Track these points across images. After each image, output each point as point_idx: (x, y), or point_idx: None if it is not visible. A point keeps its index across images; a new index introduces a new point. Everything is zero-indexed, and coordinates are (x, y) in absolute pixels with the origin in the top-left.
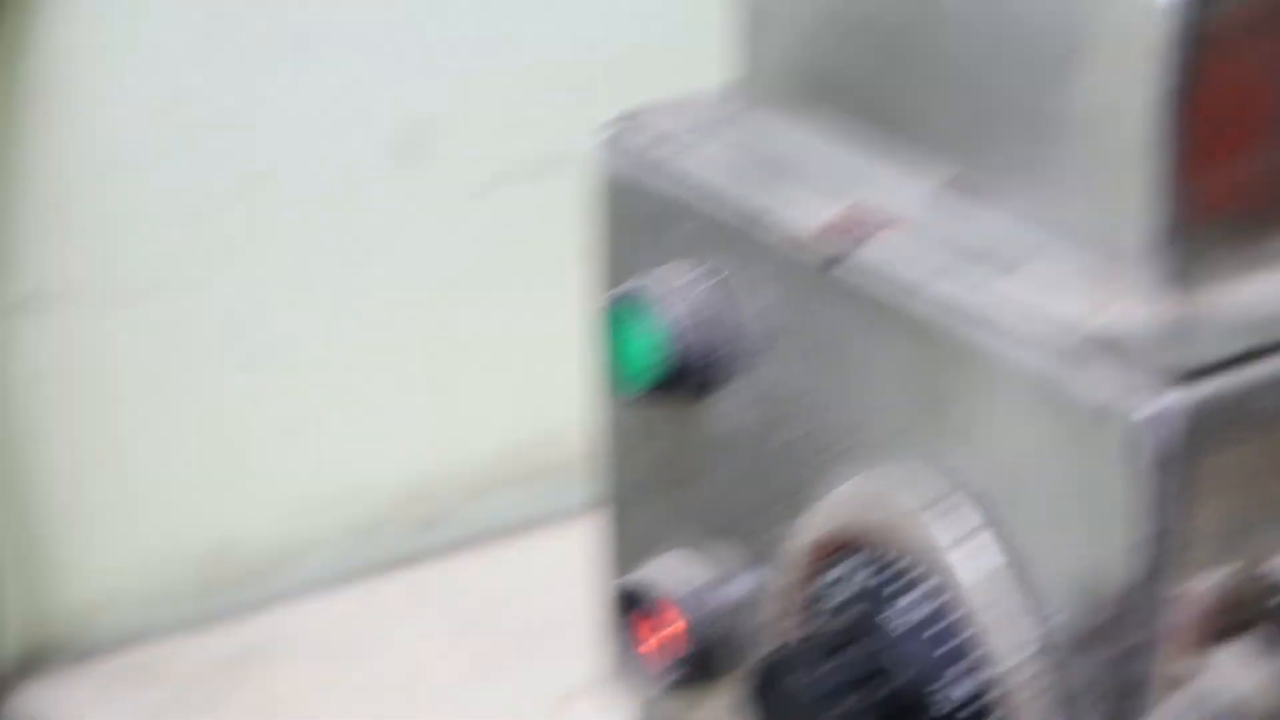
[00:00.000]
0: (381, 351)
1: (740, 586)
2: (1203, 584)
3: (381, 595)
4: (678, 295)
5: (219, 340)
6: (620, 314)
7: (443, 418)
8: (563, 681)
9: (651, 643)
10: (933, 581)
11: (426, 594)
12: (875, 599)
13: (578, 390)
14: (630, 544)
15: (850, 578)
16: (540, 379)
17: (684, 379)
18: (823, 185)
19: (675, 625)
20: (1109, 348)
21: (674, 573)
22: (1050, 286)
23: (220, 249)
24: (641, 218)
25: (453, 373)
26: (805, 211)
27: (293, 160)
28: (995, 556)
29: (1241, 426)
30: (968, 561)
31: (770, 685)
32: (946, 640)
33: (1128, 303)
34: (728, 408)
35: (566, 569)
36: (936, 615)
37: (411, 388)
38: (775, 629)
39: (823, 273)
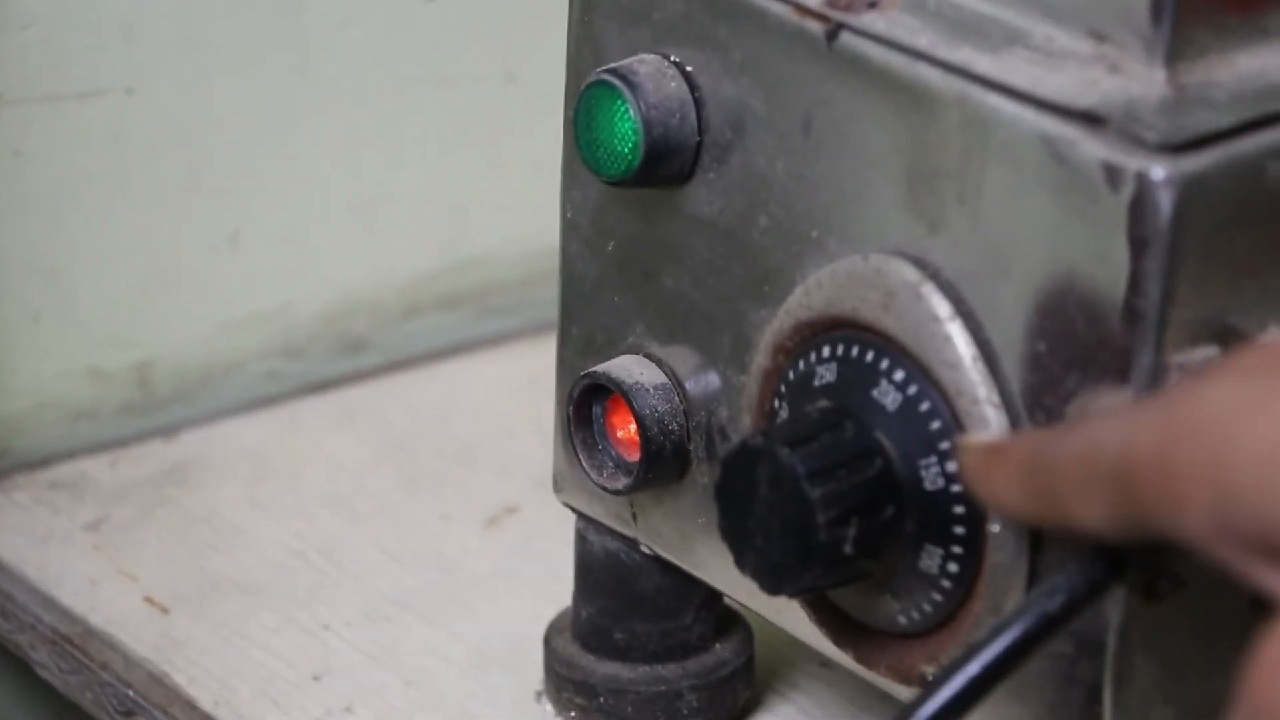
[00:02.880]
0: (316, 166)
1: (698, 385)
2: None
3: (309, 415)
4: (650, 82)
5: (156, 149)
6: (597, 100)
7: (375, 237)
8: (497, 497)
9: (620, 436)
10: (916, 363)
11: (355, 414)
12: (864, 376)
13: (513, 212)
14: (588, 341)
15: (836, 357)
16: (475, 200)
17: (659, 166)
18: None
19: (631, 425)
20: (1106, 120)
21: (631, 371)
22: (1042, 64)
23: (161, 52)
24: (621, 2)
25: (387, 190)
26: None
27: None
28: (968, 345)
29: (1233, 198)
30: (948, 347)
31: (754, 467)
32: (934, 418)
33: (1119, 79)
34: (700, 197)
35: (497, 391)
36: (922, 394)
37: (345, 205)
38: (753, 414)
39: (828, 41)
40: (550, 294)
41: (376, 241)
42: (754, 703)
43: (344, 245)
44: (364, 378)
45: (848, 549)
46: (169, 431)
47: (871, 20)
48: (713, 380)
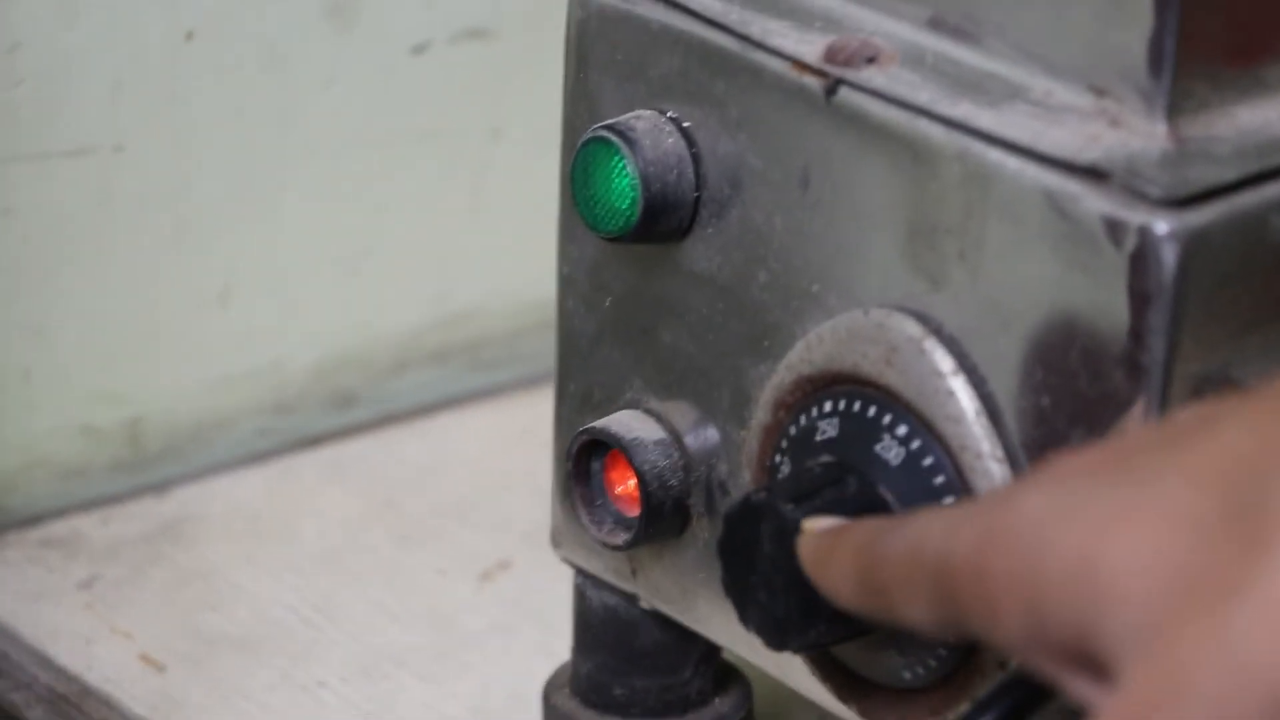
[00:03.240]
0: (304, 221)
1: (697, 440)
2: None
3: (300, 471)
4: (648, 137)
5: (145, 206)
6: (594, 156)
7: (363, 292)
8: (490, 552)
9: (619, 491)
10: (919, 418)
11: (346, 470)
12: (867, 432)
13: (502, 266)
14: (586, 397)
15: (839, 412)
16: (463, 253)
17: (657, 222)
18: (804, 21)
19: (631, 480)
20: (1109, 174)
21: (630, 426)
22: (1043, 119)
23: (150, 109)
24: (616, 53)
25: (375, 245)
26: (796, 41)
27: (225, 20)
28: (971, 399)
29: (1236, 252)
30: (951, 402)
31: (756, 522)
32: (938, 473)
33: (1120, 133)
34: (698, 252)
35: (488, 445)
36: (925, 449)
37: (333, 260)
38: (754, 470)
39: (827, 97)
40: (540, 347)
41: (365, 296)
42: None
43: (333, 300)
44: (355, 432)
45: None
46: (160, 488)
47: (870, 75)
48: (712, 435)
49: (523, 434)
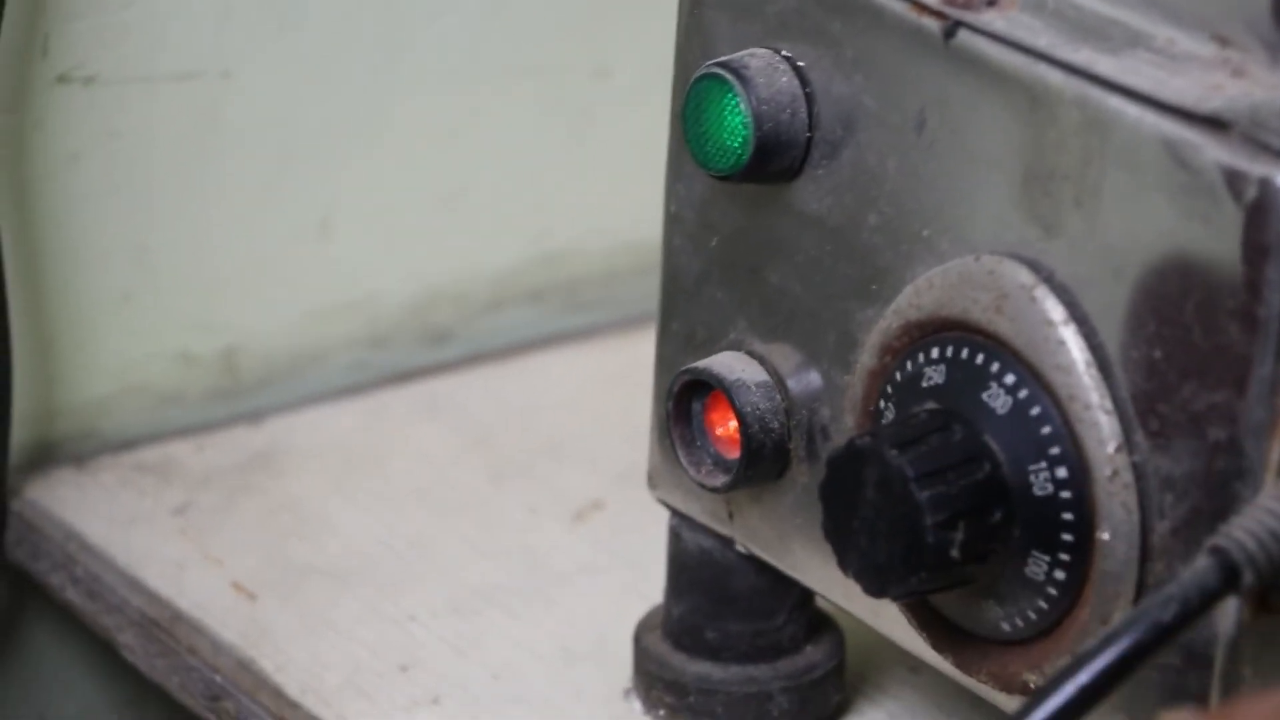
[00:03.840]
0: (406, 155)
1: (800, 384)
2: None
3: (392, 406)
4: (761, 76)
5: (249, 132)
6: (707, 93)
7: (461, 227)
8: (584, 492)
9: (719, 433)
10: (1028, 367)
11: (439, 406)
12: (974, 379)
13: (601, 206)
14: (689, 336)
15: (946, 359)
16: (563, 192)
17: (769, 162)
18: None
19: (731, 422)
20: (1230, 125)
21: (732, 367)
22: (1165, 67)
23: (258, 35)
24: None
25: (475, 179)
26: None
27: None
28: (1082, 349)
29: None
30: (1061, 351)
31: (861, 467)
32: (1045, 423)
33: (1243, 84)
34: (808, 193)
35: (583, 386)
36: (1033, 398)
37: (434, 194)
38: (857, 415)
39: (945, 39)
40: (637, 289)
41: (463, 232)
42: (844, 706)
43: (431, 235)
44: (448, 369)
45: (954, 553)
46: (254, 417)
47: (990, 19)
48: (814, 379)
49: (618, 375)
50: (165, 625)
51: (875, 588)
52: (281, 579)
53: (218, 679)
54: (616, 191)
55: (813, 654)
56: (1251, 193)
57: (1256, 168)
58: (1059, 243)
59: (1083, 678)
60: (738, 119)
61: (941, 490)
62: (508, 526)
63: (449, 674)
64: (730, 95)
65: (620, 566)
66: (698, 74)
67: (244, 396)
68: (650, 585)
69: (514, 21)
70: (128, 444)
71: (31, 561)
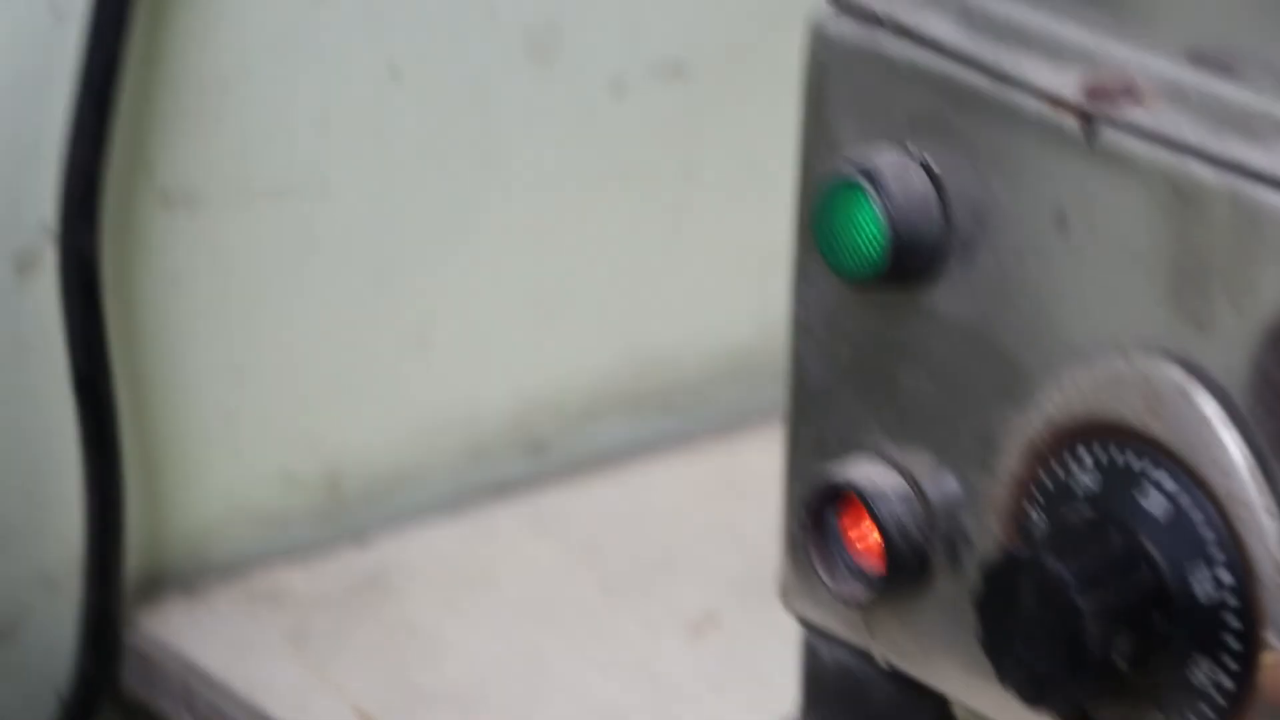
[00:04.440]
0: (498, 261)
1: (937, 491)
2: None
3: (497, 521)
4: (895, 178)
5: (346, 247)
6: (838, 198)
7: (557, 335)
8: (698, 604)
9: (858, 544)
10: (1185, 469)
11: (543, 519)
12: (1130, 483)
13: (694, 311)
14: (820, 444)
15: (1097, 465)
16: (656, 299)
17: (904, 266)
18: (1057, 55)
19: (871, 533)
20: None
21: (869, 476)
22: None
23: (352, 150)
24: (858, 91)
25: (568, 285)
26: (1051, 77)
27: (428, 59)
28: (1241, 449)
29: None
30: (1220, 451)
31: (1018, 577)
32: (1206, 527)
33: None
34: (944, 296)
35: (686, 495)
36: (1193, 502)
37: (528, 303)
38: (1003, 521)
39: (1088, 137)
40: (732, 394)
41: (559, 340)
42: None
43: (528, 344)
44: (548, 480)
45: (1115, 660)
46: (358, 537)
47: (1133, 113)
48: (952, 485)
49: (721, 483)
50: None
51: (1034, 697)
52: (403, 703)
53: None
54: (708, 295)
55: None
56: None
57: None
58: (1212, 340)
59: None
60: (872, 224)
61: (1102, 597)
62: (625, 642)
63: None
64: (863, 199)
65: (742, 681)
66: (828, 179)
67: (346, 515)
68: (776, 700)
69: (604, 125)
70: (235, 568)
71: (147, 693)
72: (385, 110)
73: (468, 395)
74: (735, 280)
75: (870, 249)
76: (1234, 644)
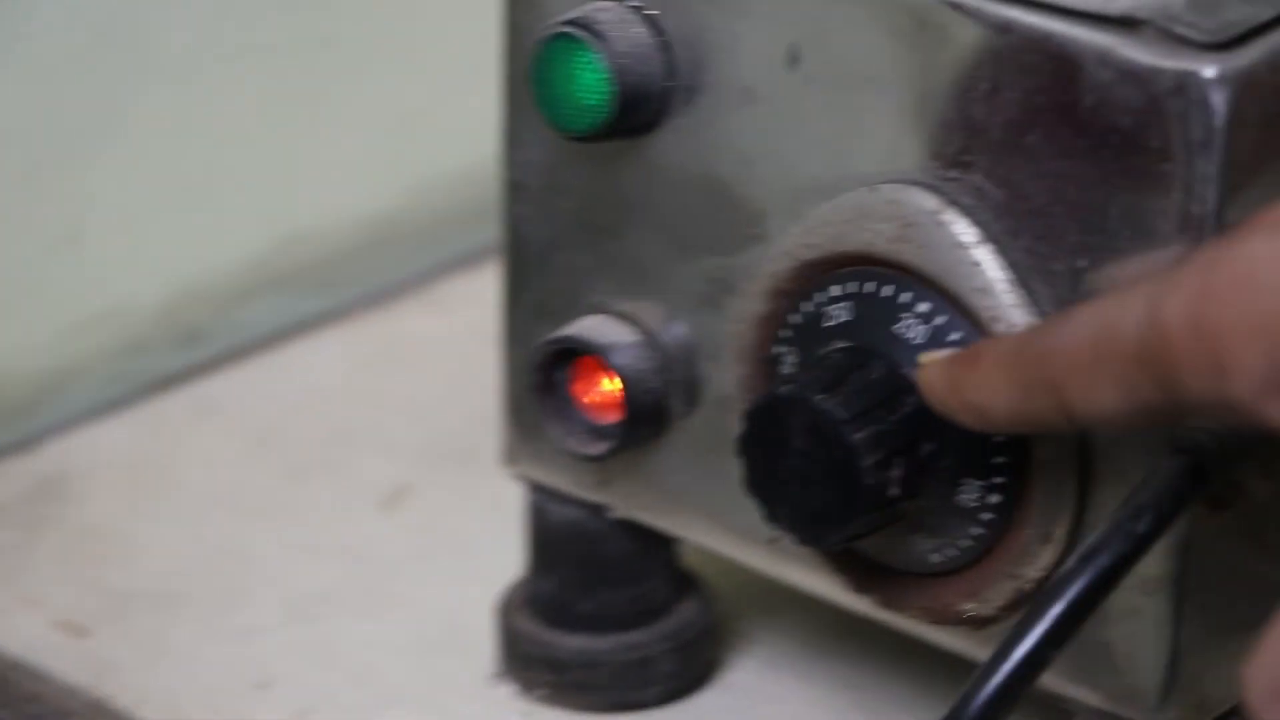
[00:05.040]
0: (148, 153)
1: (671, 338)
2: None
3: (163, 414)
4: (613, 26)
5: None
6: (558, 53)
7: (205, 221)
8: (385, 478)
9: (592, 400)
10: (942, 292)
11: (210, 409)
12: (884, 312)
13: (336, 183)
14: (541, 306)
15: (849, 296)
16: (301, 174)
17: (630, 116)
18: None
19: (612, 385)
20: (1145, 22)
21: (600, 329)
22: None
23: None
24: None
25: (217, 170)
26: None
27: None
28: (998, 267)
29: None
30: (975, 271)
31: (785, 417)
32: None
33: None
34: (670, 144)
35: (348, 370)
36: (952, 324)
37: (176, 190)
38: (748, 362)
39: None
40: (379, 263)
41: (208, 225)
42: (718, 659)
43: (177, 232)
44: (209, 369)
45: (893, 492)
46: (24, 444)
47: None
48: (683, 331)
49: (384, 354)
50: (3, 674)
51: (812, 537)
52: (108, 610)
53: None
54: (349, 165)
55: (685, 612)
56: (1179, 88)
57: (1180, 63)
58: (955, 171)
59: (1072, 591)
60: (594, 76)
61: (874, 430)
62: (320, 524)
63: (311, 685)
64: (584, 53)
65: (447, 549)
66: (544, 34)
67: (6, 422)
68: (483, 565)
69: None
70: None
71: None
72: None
73: (120, 289)
74: (374, 148)
75: (593, 102)
76: (1001, 461)
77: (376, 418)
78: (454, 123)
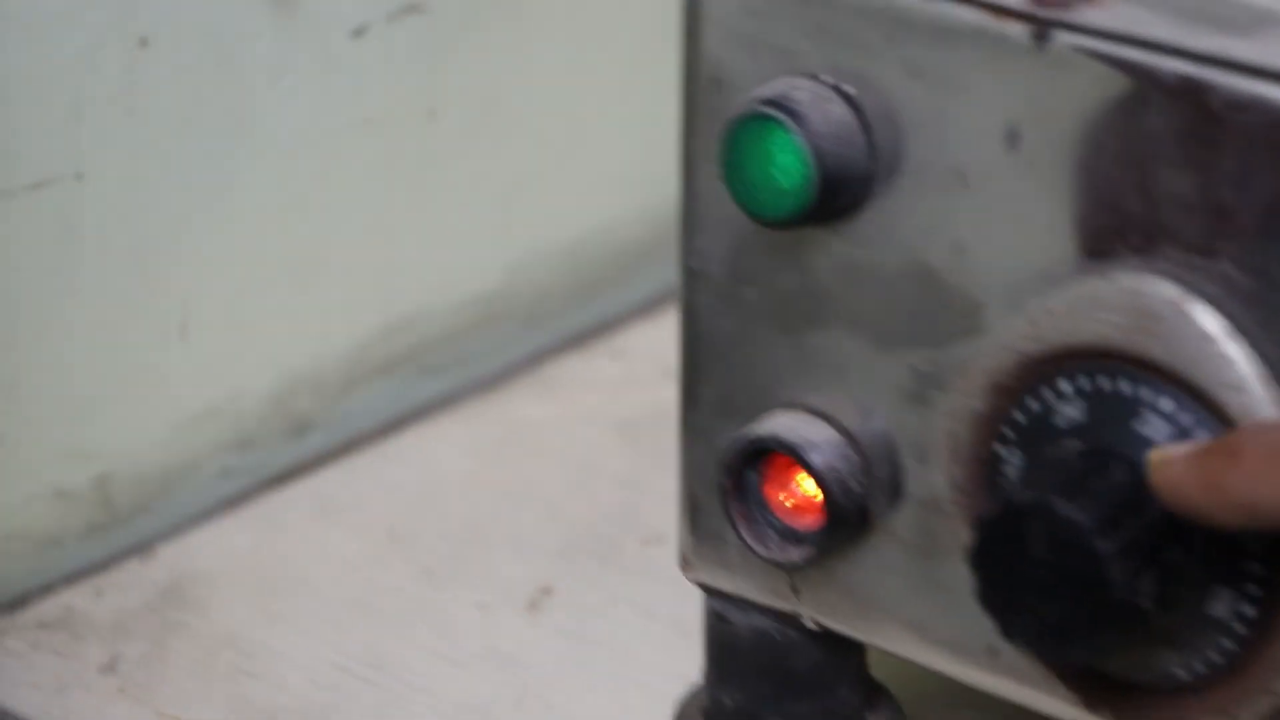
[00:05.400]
0: (257, 234)
1: (871, 437)
2: None
3: (282, 511)
4: (813, 108)
5: (104, 234)
6: (756, 131)
7: (307, 305)
8: (526, 577)
9: (786, 503)
10: (1187, 389)
11: (332, 504)
12: (1122, 410)
13: (447, 269)
14: (725, 402)
15: (1083, 392)
16: (405, 251)
17: (831, 201)
18: None
19: (809, 487)
20: None
21: (794, 428)
22: None
23: (103, 132)
24: (747, 19)
25: (324, 251)
26: None
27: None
28: (1250, 361)
29: None
30: (1225, 366)
31: (1023, 525)
32: None
33: None
34: (870, 232)
35: (470, 460)
36: (1198, 423)
37: (284, 273)
38: (965, 463)
39: (1037, 41)
40: (484, 344)
41: (316, 310)
42: None
43: (286, 318)
44: (324, 461)
45: (1144, 603)
46: (140, 548)
47: (1089, 14)
48: (882, 427)
49: (501, 442)
50: None
51: (1055, 651)
52: None
53: None
54: (454, 242)
55: None
56: None
57: None
58: (1194, 256)
59: None
60: (792, 158)
61: (1123, 537)
62: (465, 628)
63: None
64: (781, 133)
65: (600, 655)
66: (738, 114)
67: (121, 526)
68: (639, 671)
69: (347, 72)
70: (18, 600)
71: None
72: (136, 86)
73: (229, 382)
74: (478, 224)
75: (792, 185)
76: (1256, 569)
77: (506, 512)
78: (556, 197)
